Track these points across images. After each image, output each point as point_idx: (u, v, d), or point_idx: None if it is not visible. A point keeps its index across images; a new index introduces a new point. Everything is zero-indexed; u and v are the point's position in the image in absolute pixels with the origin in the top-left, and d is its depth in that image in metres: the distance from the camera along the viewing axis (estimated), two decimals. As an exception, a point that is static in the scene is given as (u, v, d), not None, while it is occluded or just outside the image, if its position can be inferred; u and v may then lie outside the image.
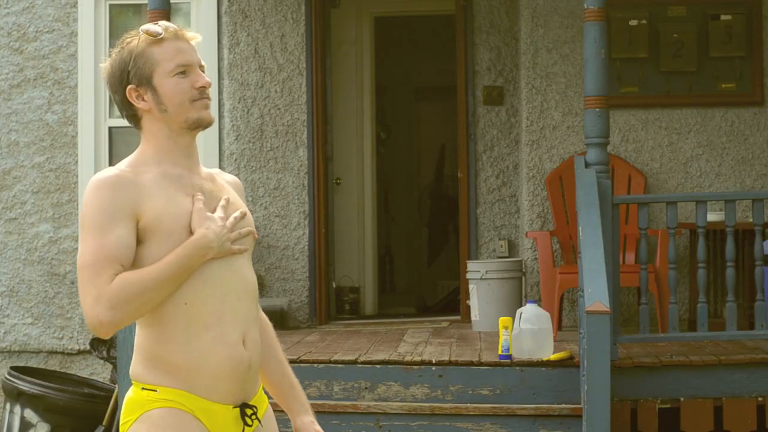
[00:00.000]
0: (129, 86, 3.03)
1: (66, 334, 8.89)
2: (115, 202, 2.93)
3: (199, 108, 3.05)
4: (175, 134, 3.05)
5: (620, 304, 7.46)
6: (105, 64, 3.09)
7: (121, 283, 2.88)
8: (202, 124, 3.07)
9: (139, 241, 2.96)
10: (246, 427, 3.04)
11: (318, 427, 3.24)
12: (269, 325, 3.29)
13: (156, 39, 3.03)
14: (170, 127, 3.05)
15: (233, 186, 3.22)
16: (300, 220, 8.83)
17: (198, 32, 3.14)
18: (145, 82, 3.02)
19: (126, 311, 2.89)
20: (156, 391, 2.97)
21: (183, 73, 3.03)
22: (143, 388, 2.99)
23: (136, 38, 3.05)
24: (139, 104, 3.04)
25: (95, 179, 2.98)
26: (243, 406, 3.04)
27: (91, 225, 2.92)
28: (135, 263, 2.96)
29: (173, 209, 2.98)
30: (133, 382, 3.04)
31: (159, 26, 3.05)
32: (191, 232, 2.97)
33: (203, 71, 3.08)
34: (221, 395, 3.00)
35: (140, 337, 3.03)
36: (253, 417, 3.05)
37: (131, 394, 3.03)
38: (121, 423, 3.03)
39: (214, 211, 3.04)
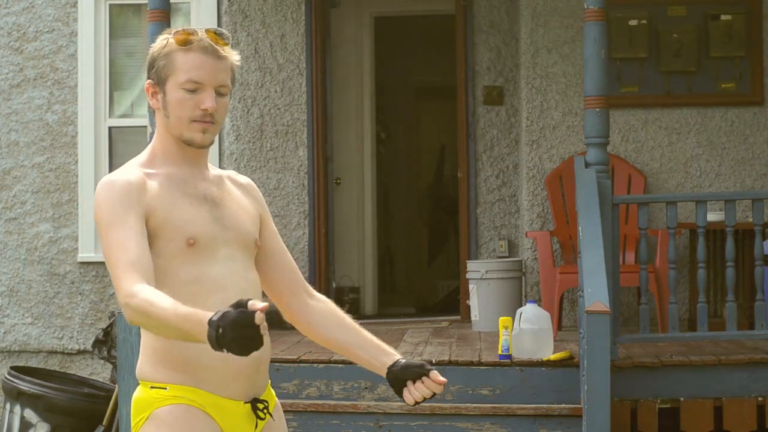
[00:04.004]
0: (148, 81, 3.07)
1: (66, 334, 8.89)
2: (128, 197, 2.94)
3: (195, 130, 3.03)
4: (174, 139, 3.08)
5: (620, 304, 7.46)
6: (153, 44, 3.10)
7: (148, 297, 2.80)
8: (193, 145, 3.06)
9: None
10: (259, 421, 3.04)
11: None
12: (328, 301, 3.26)
13: (184, 46, 3.02)
14: (171, 132, 3.07)
15: (246, 189, 3.22)
16: (300, 220, 8.83)
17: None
18: (161, 83, 3.04)
19: (140, 322, 2.84)
20: (166, 388, 2.97)
21: (193, 90, 3.02)
22: (152, 387, 2.98)
23: (173, 36, 3.05)
24: (151, 101, 3.08)
25: (107, 179, 3.00)
26: (254, 401, 3.04)
27: (109, 219, 2.92)
28: None
29: (177, 215, 2.99)
30: (140, 382, 3.03)
31: (194, 34, 3.03)
32: (188, 243, 2.97)
33: (224, 92, 3.05)
34: (231, 391, 3.00)
35: (147, 336, 3.03)
36: (265, 411, 3.05)
37: (139, 394, 3.02)
38: (132, 423, 3.02)
39: (219, 213, 3.05)
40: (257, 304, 2.62)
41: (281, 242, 3.25)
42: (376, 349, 3.16)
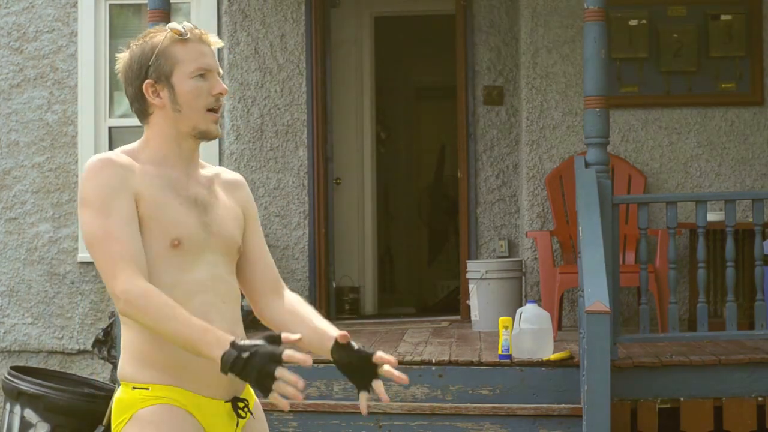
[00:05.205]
0: (147, 81, 3.04)
1: (66, 334, 8.89)
2: (117, 178, 2.95)
3: (209, 121, 3.06)
4: (181, 137, 3.07)
5: (620, 304, 7.46)
6: (123, 55, 3.09)
7: (147, 295, 2.85)
8: (208, 137, 3.08)
9: None
10: (240, 420, 3.05)
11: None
12: (298, 297, 3.23)
13: (181, 38, 3.04)
14: (178, 129, 3.06)
15: (233, 186, 3.20)
16: (300, 220, 8.82)
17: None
18: (164, 79, 3.03)
19: (136, 317, 2.88)
20: (148, 389, 2.96)
21: (202, 76, 3.05)
22: (134, 388, 2.98)
23: (160, 34, 3.06)
24: (153, 100, 3.05)
25: (95, 158, 2.99)
26: (234, 400, 3.05)
27: (97, 201, 2.93)
28: None
29: (164, 213, 2.99)
30: (122, 383, 3.02)
31: (184, 26, 3.07)
32: (172, 244, 2.97)
33: (220, 77, 3.10)
34: (212, 390, 3.00)
35: (128, 337, 3.02)
36: (246, 410, 3.06)
37: (120, 395, 3.01)
38: (113, 425, 3.01)
39: (207, 218, 3.04)
40: (291, 336, 2.78)
41: (262, 241, 3.23)
42: (323, 335, 3.08)
